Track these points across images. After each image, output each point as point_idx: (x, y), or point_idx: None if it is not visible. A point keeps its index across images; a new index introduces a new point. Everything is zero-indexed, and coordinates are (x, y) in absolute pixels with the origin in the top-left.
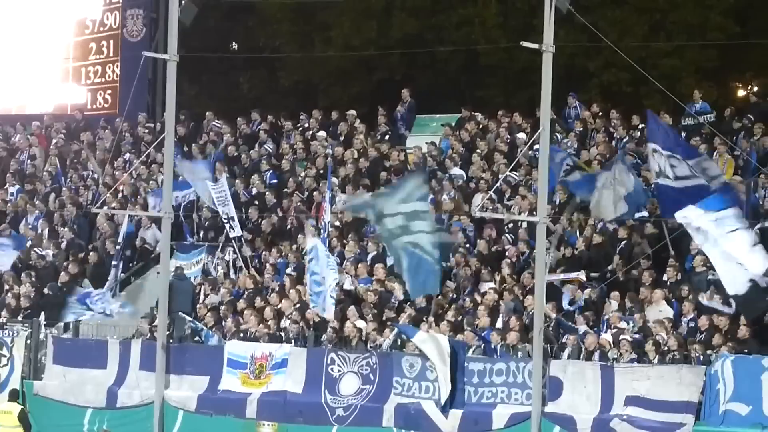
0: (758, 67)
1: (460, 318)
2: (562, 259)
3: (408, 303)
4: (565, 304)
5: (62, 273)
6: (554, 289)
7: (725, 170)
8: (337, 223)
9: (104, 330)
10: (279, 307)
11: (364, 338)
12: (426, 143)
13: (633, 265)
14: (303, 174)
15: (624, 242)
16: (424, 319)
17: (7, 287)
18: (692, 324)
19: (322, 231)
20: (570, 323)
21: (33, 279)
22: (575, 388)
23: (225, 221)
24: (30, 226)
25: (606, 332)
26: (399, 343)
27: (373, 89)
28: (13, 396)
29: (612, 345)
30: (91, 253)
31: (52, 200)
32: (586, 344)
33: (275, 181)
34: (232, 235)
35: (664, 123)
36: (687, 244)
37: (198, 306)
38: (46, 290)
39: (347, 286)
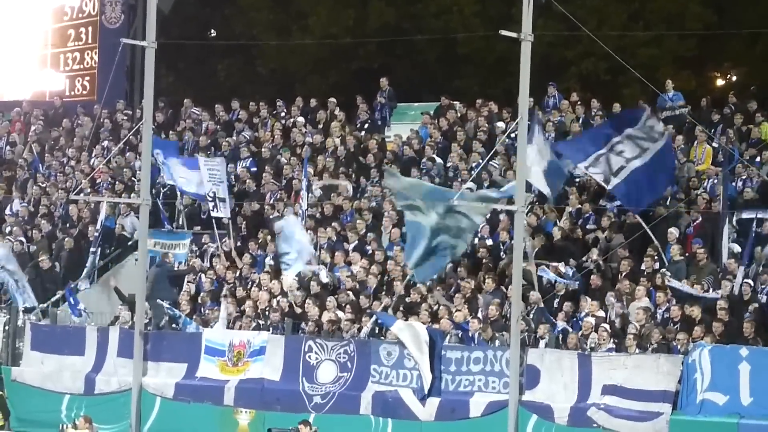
0: (736, 56)
1: (437, 307)
2: (540, 249)
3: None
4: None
5: (42, 260)
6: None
7: (704, 160)
8: (311, 212)
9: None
10: (257, 299)
11: (341, 328)
12: (411, 130)
13: (610, 254)
14: (283, 161)
15: (605, 231)
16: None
17: None
18: (666, 315)
19: (300, 218)
20: (549, 313)
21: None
22: (552, 377)
23: (210, 200)
24: (10, 214)
25: (585, 318)
26: (377, 331)
27: (350, 78)
28: None
29: (593, 329)
30: (66, 239)
31: (29, 186)
32: (568, 339)
33: (255, 168)
34: (214, 215)
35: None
36: (665, 233)
37: (179, 293)
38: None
39: (323, 276)
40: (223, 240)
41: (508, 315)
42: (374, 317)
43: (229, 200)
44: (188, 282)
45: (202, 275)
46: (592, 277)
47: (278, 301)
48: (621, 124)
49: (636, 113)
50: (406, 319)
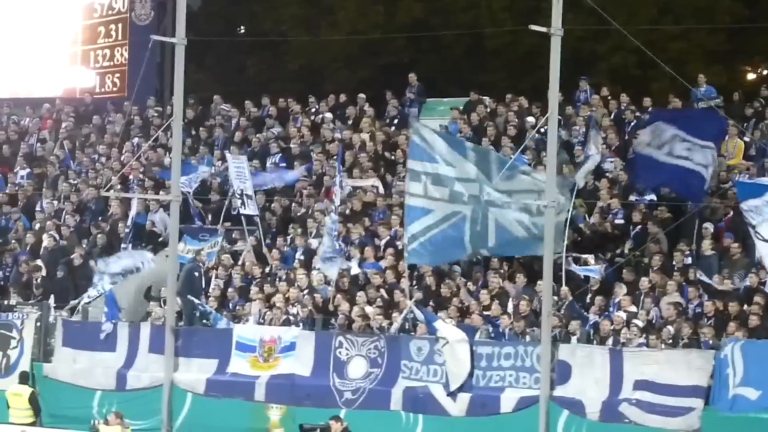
0: (767, 50)
1: (466, 304)
2: (570, 243)
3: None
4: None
5: (74, 256)
6: (568, 273)
7: (734, 154)
8: (343, 209)
9: None
10: (287, 294)
11: (371, 324)
12: (440, 126)
13: (642, 248)
14: (313, 158)
15: (639, 226)
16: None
17: (21, 270)
18: (698, 309)
19: (332, 214)
20: (580, 308)
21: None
22: (584, 372)
23: (238, 197)
24: (40, 210)
25: (617, 313)
26: (407, 327)
27: (379, 73)
28: (23, 379)
29: (625, 324)
30: (99, 236)
31: (61, 183)
32: (600, 329)
33: (284, 164)
34: (243, 212)
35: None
36: (698, 228)
37: (208, 290)
38: (58, 272)
39: (354, 270)
40: (253, 235)
41: (538, 310)
42: (414, 312)
43: (255, 197)
44: (217, 278)
45: (232, 271)
46: (623, 271)
47: (307, 297)
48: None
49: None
50: (436, 313)
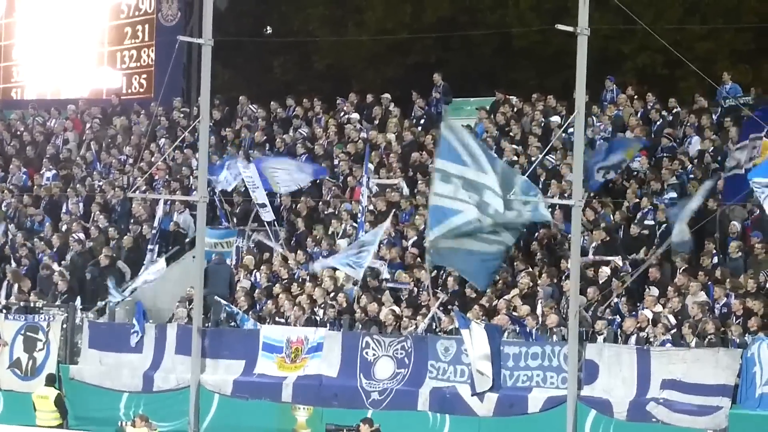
0: None
1: (494, 303)
2: (599, 244)
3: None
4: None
5: (101, 257)
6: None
7: (759, 153)
8: (371, 208)
9: None
10: (313, 294)
11: (399, 324)
12: (462, 126)
13: (668, 249)
14: (337, 158)
15: (664, 226)
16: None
17: (48, 272)
18: (725, 309)
19: (359, 216)
20: (606, 309)
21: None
22: (611, 372)
23: (258, 205)
24: (65, 212)
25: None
26: (434, 327)
27: (406, 73)
28: (50, 381)
29: (650, 323)
30: (125, 237)
31: (87, 184)
32: (624, 327)
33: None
34: (264, 218)
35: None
36: (725, 228)
37: (235, 290)
38: (87, 274)
39: (384, 274)
40: (278, 240)
41: (564, 311)
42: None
43: (268, 203)
44: (244, 278)
45: (257, 272)
46: (650, 270)
47: (335, 297)
48: None
49: None
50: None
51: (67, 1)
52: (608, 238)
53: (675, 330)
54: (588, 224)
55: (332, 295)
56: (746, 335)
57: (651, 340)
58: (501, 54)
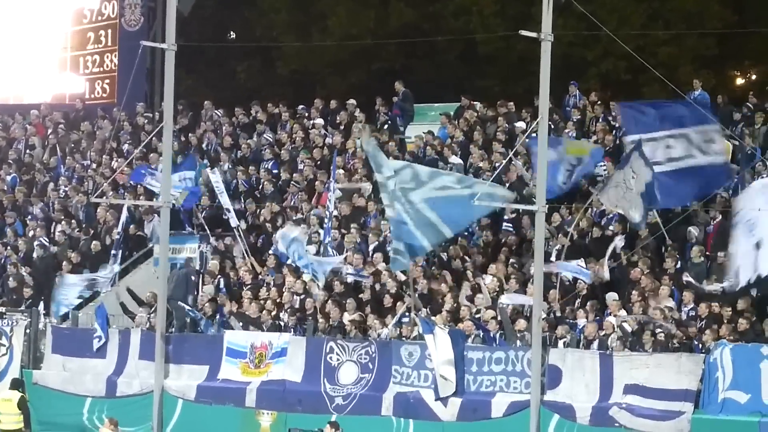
0: (756, 55)
1: (456, 306)
2: (561, 249)
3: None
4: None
5: (64, 263)
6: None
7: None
8: (336, 213)
9: None
10: (278, 300)
11: (362, 329)
12: (423, 132)
13: (631, 253)
14: (302, 164)
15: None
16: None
17: (11, 276)
18: (692, 313)
19: (325, 221)
20: (567, 317)
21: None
22: (574, 377)
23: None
24: (31, 218)
25: (607, 317)
26: (399, 332)
27: (371, 79)
28: (15, 385)
29: (614, 328)
30: (93, 243)
31: (50, 190)
32: (586, 333)
33: (276, 170)
34: (232, 224)
35: (638, 105)
36: (684, 234)
37: (198, 296)
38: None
39: (349, 279)
40: (243, 245)
41: (527, 314)
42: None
43: (233, 209)
44: (207, 284)
45: (221, 278)
46: (611, 275)
47: (299, 302)
48: (694, 113)
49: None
50: (429, 318)
51: (30, 6)
52: (571, 243)
53: (633, 338)
54: (553, 230)
55: (297, 300)
56: (711, 341)
57: (614, 345)
58: (465, 60)
